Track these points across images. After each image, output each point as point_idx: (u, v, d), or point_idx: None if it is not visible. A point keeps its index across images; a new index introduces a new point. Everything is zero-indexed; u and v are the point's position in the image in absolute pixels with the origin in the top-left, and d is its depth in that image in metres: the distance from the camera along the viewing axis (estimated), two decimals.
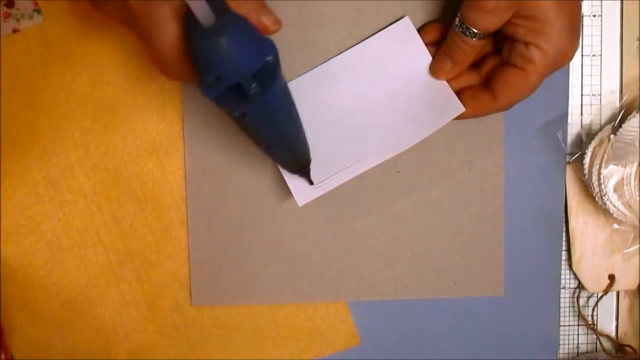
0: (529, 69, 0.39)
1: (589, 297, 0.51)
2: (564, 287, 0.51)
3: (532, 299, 0.50)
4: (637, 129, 0.46)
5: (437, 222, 0.48)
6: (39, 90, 0.45)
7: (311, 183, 0.44)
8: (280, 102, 0.36)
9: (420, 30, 0.44)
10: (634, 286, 0.51)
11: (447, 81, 0.44)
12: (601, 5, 0.49)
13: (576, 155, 0.49)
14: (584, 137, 0.49)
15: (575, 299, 0.51)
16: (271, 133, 0.38)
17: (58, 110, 0.46)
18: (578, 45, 0.39)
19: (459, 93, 0.43)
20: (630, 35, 0.49)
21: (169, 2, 0.32)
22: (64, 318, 0.48)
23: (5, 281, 0.47)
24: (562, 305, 0.51)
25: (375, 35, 0.45)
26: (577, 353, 0.52)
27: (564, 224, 0.50)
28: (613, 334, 0.52)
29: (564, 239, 0.50)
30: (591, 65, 0.49)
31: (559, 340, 0.51)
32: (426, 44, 0.44)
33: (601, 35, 0.49)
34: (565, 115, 0.48)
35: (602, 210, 0.49)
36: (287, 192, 0.47)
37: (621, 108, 0.49)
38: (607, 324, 0.52)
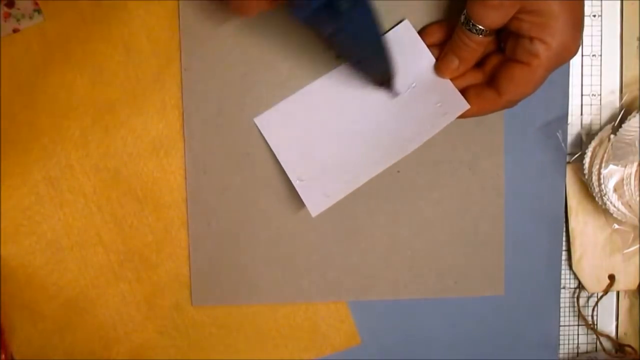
0: (535, 63, 0.39)
1: (589, 297, 0.51)
2: (564, 287, 0.51)
3: (532, 299, 0.50)
4: (637, 129, 0.46)
5: (437, 221, 0.48)
6: (39, 90, 0.45)
7: (397, 94, 0.44)
8: (368, 14, 0.36)
9: (420, 32, 0.44)
10: (634, 286, 0.51)
11: (451, 80, 0.44)
12: (601, 5, 0.49)
13: (576, 155, 0.49)
14: (584, 137, 0.49)
15: (575, 299, 0.51)
16: (362, 46, 0.38)
17: (58, 110, 0.46)
18: (581, 40, 0.39)
19: (463, 91, 0.43)
20: (630, 35, 0.49)
21: None
22: (64, 318, 0.48)
23: (6, 281, 0.47)
24: (562, 305, 0.51)
25: None
26: (577, 353, 0.52)
27: (564, 224, 0.50)
28: (613, 334, 0.52)
29: (564, 239, 0.50)
30: (591, 65, 0.49)
31: (559, 340, 0.51)
32: (427, 46, 0.44)
33: (601, 35, 0.49)
34: (565, 115, 0.48)
35: (602, 210, 0.49)
36: (287, 192, 0.47)
37: (621, 108, 0.49)
38: (607, 324, 0.52)
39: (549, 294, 0.50)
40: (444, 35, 0.44)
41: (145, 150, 0.47)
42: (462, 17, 0.40)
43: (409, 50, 0.44)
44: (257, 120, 0.46)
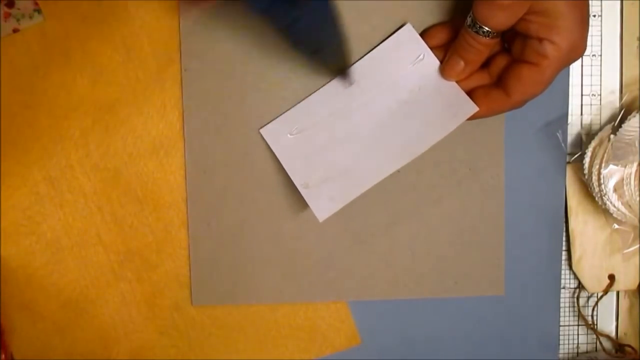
0: (544, 64, 0.39)
1: (589, 297, 0.51)
2: (564, 287, 0.51)
3: (532, 299, 0.50)
4: (637, 129, 0.46)
5: (437, 221, 0.48)
6: (39, 90, 0.45)
7: (351, 83, 0.44)
8: (325, 3, 0.36)
9: (422, 34, 0.44)
10: (634, 286, 0.51)
11: (458, 82, 0.43)
12: (601, 5, 0.49)
13: (576, 155, 0.49)
14: (584, 137, 0.49)
15: (575, 299, 0.51)
16: (320, 36, 0.38)
17: (58, 110, 0.46)
18: (587, 40, 0.39)
19: (470, 93, 0.43)
20: (630, 35, 0.49)
21: None
22: (64, 318, 0.48)
23: (5, 281, 0.47)
24: (562, 305, 0.51)
25: (378, 46, 0.45)
26: (577, 353, 0.52)
27: (564, 224, 0.50)
28: (613, 334, 0.52)
29: (564, 239, 0.50)
30: (591, 65, 0.49)
31: (559, 340, 0.51)
32: (431, 48, 0.44)
33: (601, 35, 0.49)
34: (565, 115, 0.48)
35: (602, 210, 0.49)
36: (287, 192, 0.47)
37: (621, 108, 0.49)
38: (607, 324, 0.52)
39: (549, 294, 0.50)
40: (447, 36, 0.43)
41: (145, 151, 0.47)
42: (469, 19, 0.40)
43: (412, 54, 0.44)
44: (263, 132, 0.46)
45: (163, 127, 0.46)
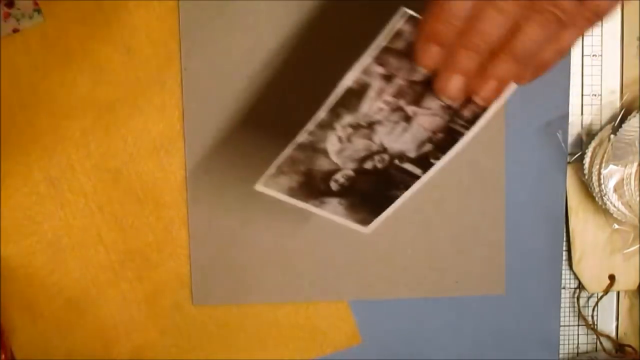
0: None
1: (589, 297, 0.52)
2: (564, 287, 0.51)
3: (532, 299, 0.50)
4: (637, 129, 0.46)
5: (437, 221, 0.48)
6: (39, 90, 0.45)
7: None
8: None
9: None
10: (634, 286, 0.51)
11: None
12: None
13: (576, 155, 0.49)
14: (584, 137, 0.49)
15: (576, 299, 0.51)
16: None
17: (58, 110, 0.46)
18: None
19: None
20: (631, 35, 0.49)
21: None
22: (64, 318, 0.48)
23: (6, 281, 0.47)
24: (562, 305, 0.51)
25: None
26: (577, 353, 0.52)
27: (564, 224, 0.50)
28: (613, 334, 0.52)
29: (564, 239, 0.50)
30: (591, 65, 0.49)
31: (559, 340, 0.51)
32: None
33: (601, 35, 0.49)
34: (565, 115, 0.48)
35: (602, 210, 0.49)
36: None
37: (621, 108, 0.49)
38: (607, 324, 0.52)
39: (549, 294, 0.50)
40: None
41: (145, 150, 0.47)
42: None
43: None
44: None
45: (163, 127, 0.47)
